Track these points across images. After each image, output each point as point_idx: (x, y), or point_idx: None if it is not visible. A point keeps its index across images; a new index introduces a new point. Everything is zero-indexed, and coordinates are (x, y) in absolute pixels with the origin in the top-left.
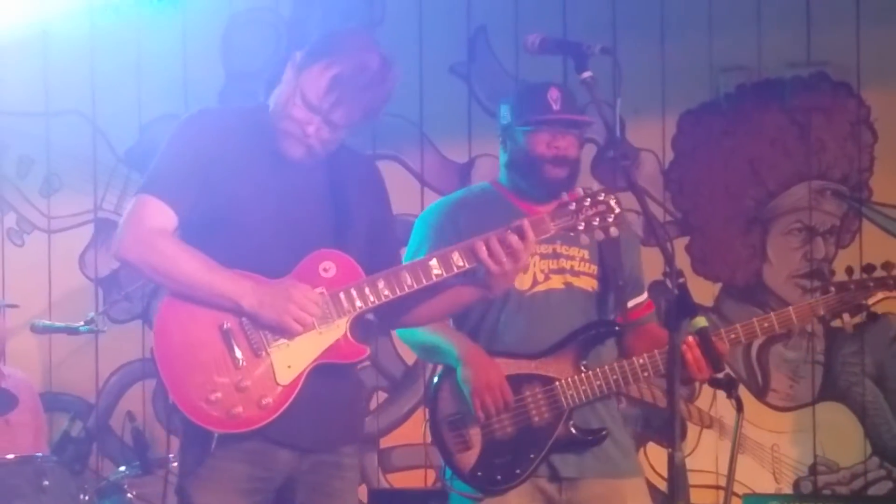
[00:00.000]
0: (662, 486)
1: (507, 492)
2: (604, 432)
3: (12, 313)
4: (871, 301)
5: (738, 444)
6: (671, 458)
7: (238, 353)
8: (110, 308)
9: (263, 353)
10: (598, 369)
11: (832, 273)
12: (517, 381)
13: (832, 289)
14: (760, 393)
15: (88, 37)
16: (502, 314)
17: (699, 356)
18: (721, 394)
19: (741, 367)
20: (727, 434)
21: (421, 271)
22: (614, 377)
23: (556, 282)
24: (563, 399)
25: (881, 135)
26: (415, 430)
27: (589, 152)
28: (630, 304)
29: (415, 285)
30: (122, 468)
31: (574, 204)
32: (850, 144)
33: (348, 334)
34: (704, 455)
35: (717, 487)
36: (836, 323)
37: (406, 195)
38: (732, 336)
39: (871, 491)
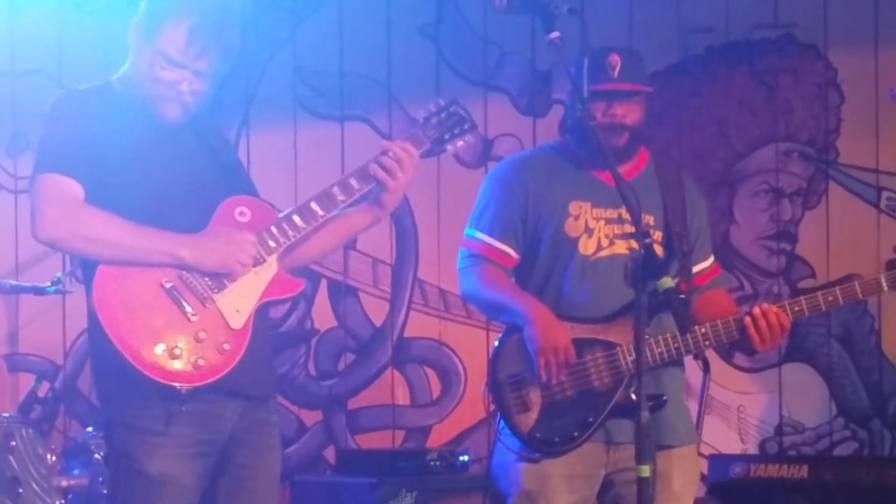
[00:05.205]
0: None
1: (565, 454)
2: (661, 399)
3: None
4: None
5: (704, 405)
6: (638, 419)
7: (187, 307)
8: (77, 268)
9: (210, 303)
10: (659, 337)
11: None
12: (579, 345)
13: None
14: (727, 354)
15: None
16: (566, 278)
17: (764, 328)
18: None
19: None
20: (694, 395)
21: (328, 200)
22: (675, 346)
23: (621, 247)
24: (623, 365)
25: (848, 96)
26: (383, 391)
27: (557, 113)
28: (695, 269)
29: (326, 214)
30: (90, 429)
31: (434, 118)
32: (816, 106)
33: (280, 270)
34: None
35: None
36: None
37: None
38: (796, 309)
39: (837, 451)
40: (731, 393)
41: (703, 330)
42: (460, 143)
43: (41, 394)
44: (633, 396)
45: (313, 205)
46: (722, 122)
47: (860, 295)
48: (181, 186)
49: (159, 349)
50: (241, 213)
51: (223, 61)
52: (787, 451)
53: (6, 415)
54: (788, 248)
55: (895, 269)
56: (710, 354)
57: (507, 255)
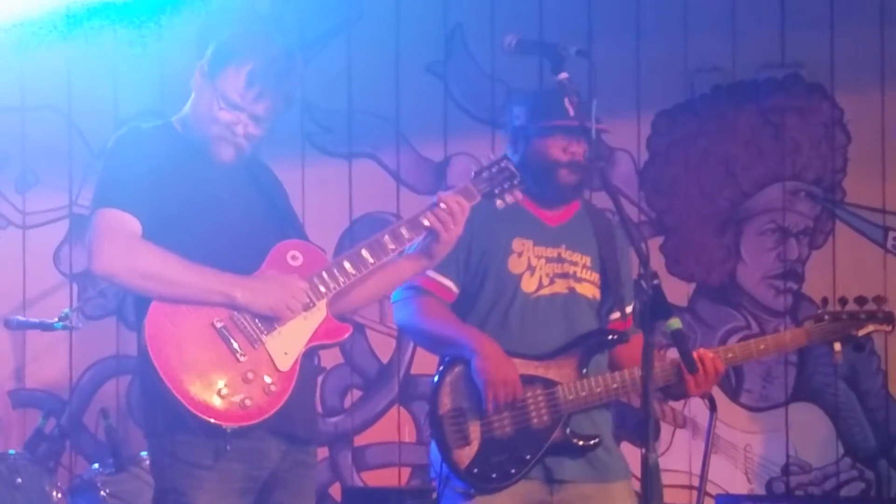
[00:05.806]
0: (636, 485)
1: (500, 491)
2: (597, 440)
3: None
4: (861, 333)
5: (711, 445)
6: (645, 460)
7: (237, 347)
8: (85, 304)
9: (259, 344)
10: (599, 377)
11: (803, 279)
12: (521, 382)
13: (826, 317)
14: (734, 393)
15: (64, 32)
16: (507, 315)
17: (700, 373)
18: None
19: None
20: (700, 434)
21: (378, 248)
22: (615, 386)
23: (561, 286)
24: (563, 403)
25: (854, 136)
26: (389, 428)
27: None
28: (627, 311)
29: (376, 262)
30: (96, 466)
31: (486, 172)
32: (823, 146)
33: (329, 315)
34: (678, 455)
35: (690, 487)
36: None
37: (382, 193)
38: (730, 356)
39: (844, 492)
40: (737, 432)
41: (640, 372)
42: (510, 197)
43: (47, 430)
44: (570, 436)
45: (364, 252)
46: (729, 161)
47: (788, 344)
48: (235, 227)
49: (207, 387)
50: (294, 257)
51: (282, 108)
52: (793, 491)
53: (11, 451)
54: (795, 287)
55: (822, 321)
56: (716, 393)
57: (448, 288)
